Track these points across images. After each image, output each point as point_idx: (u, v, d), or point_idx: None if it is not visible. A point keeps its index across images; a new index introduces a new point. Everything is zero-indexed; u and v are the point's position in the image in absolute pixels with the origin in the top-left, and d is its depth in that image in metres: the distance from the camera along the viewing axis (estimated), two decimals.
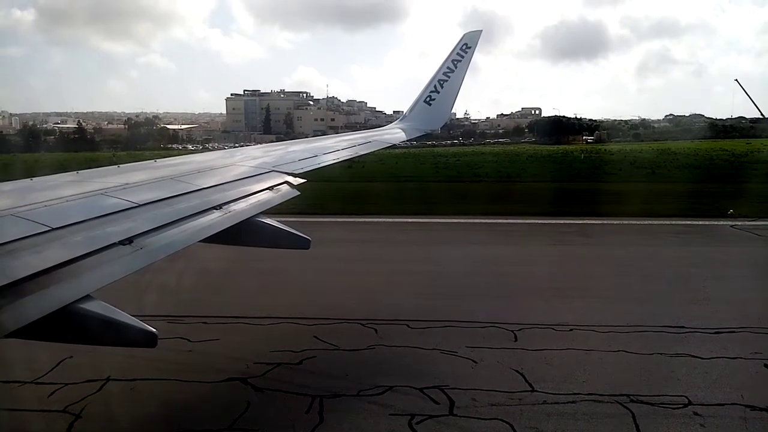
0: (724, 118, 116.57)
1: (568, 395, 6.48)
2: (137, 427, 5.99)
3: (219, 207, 4.69)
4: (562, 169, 39.63)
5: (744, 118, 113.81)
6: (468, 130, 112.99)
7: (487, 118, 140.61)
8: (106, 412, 6.25)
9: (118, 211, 4.00)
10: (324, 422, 5.96)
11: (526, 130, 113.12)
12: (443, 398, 6.41)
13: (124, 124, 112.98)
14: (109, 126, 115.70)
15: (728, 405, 6.26)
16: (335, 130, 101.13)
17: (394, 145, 10.26)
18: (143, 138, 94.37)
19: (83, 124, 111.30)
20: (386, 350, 7.86)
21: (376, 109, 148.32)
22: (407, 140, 10.76)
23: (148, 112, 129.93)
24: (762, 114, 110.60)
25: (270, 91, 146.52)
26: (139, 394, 6.59)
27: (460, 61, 10.52)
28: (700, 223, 17.51)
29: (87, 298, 3.12)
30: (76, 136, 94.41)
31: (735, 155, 49.29)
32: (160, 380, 6.89)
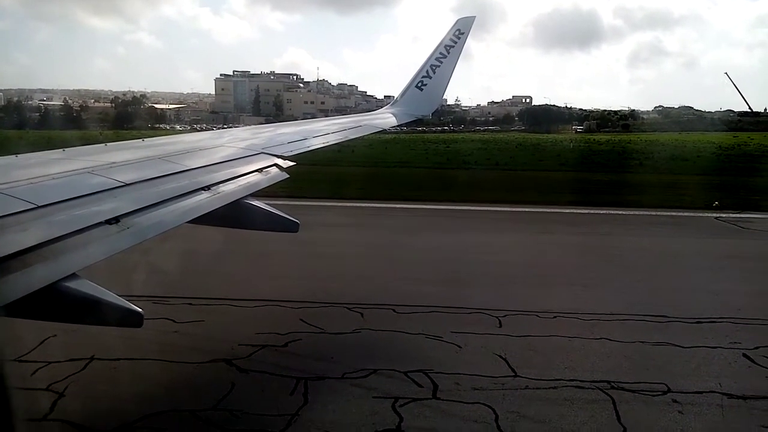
0: (713, 111, 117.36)
1: (550, 381, 6.58)
2: (121, 407, 5.99)
3: (207, 188, 4.66)
4: (550, 158, 39.74)
5: (732, 111, 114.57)
6: (459, 116, 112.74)
7: (478, 105, 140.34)
8: (89, 391, 6.25)
9: (105, 189, 3.96)
10: (308, 404, 6.01)
11: (517, 119, 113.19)
12: (427, 382, 6.48)
13: (111, 103, 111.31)
14: (96, 104, 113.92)
15: (706, 393, 6.39)
16: (325, 113, 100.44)
17: (385, 130, 10.23)
18: (130, 117, 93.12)
19: (69, 101, 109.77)
20: (372, 334, 7.92)
21: (367, 94, 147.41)
22: (398, 125, 10.73)
23: (136, 90, 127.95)
24: (750, 108, 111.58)
25: (260, 73, 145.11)
26: (123, 374, 6.60)
27: (453, 47, 10.48)
28: (685, 214, 17.69)
29: (72, 276, 3.11)
30: (62, 113, 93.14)
31: (722, 148, 49.65)
32: (144, 360, 6.89)
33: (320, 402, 6.07)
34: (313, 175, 18.76)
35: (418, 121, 12.74)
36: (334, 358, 7.13)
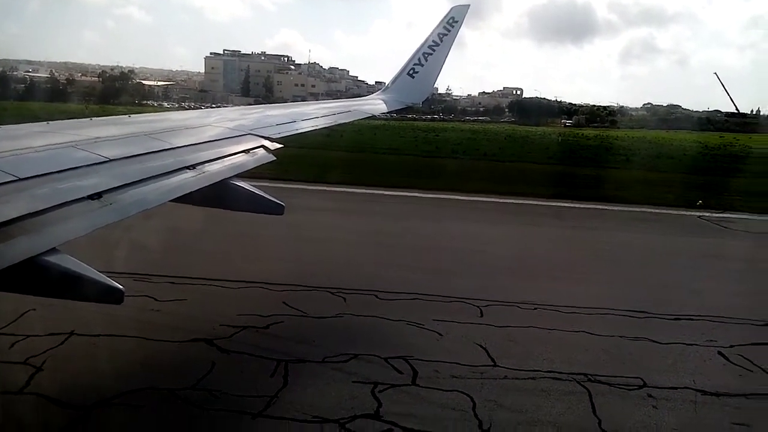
0: (701, 110, 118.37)
1: (528, 371, 6.65)
2: (99, 382, 5.97)
3: (192, 167, 4.62)
4: (538, 150, 39.84)
5: (719, 111, 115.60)
6: (449, 105, 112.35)
7: (469, 95, 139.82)
8: (67, 366, 6.22)
9: (89, 164, 3.91)
10: (287, 386, 6.03)
11: (507, 110, 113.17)
12: (407, 368, 6.53)
13: (98, 77, 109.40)
14: (83, 78, 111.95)
15: (681, 389, 6.51)
16: (315, 96, 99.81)
17: (374, 116, 10.20)
18: (117, 92, 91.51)
19: (56, 74, 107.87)
20: (354, 319, 7.94)
21: (358, 78, 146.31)
22: (387, 112, 10.70)
23: (124, 65, 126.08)
24: (737, 109, 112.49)
25: (251, 53, 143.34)
26: (102, 350, 6.57)
27: (446, 35, 10.43)
28: (669, 212, 17.86)
29: (53, 251, 3.07)
30: (48, 86, 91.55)
31: (707, 148, 50.14)
32: (124, 337, 6.86)
33: (300, 385, 6.09)
34: (301, 159, 18.67)
35: (409, 109, 12.71)
36: (315, 341, 7.15)
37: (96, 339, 6.74)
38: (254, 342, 6.99)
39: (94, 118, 5.77)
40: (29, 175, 3.42)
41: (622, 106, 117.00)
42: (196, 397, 5.72)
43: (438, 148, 37.01)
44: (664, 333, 8.03)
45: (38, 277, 3.07)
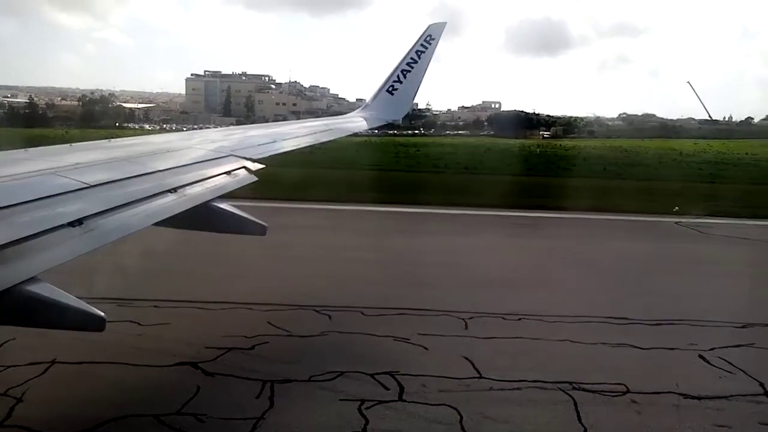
0: (675, 118, 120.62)
1: (513, 382, 6.70)
2: (82, 412, 5.90)
3: (174, 190, 4.64)
4: (518, 162, 40.25)
5: (693, 119, 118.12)
6: (429, 120, 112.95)
7: (449, 109, 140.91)
8: (49, 396, 6.14)
9: (69, 191, 3.91)
10: (274, 407, 6.01)
11: (486, 124, 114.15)
12: (393, 384, 6.54)
13: (78, 101, 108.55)
14: (63, 102, 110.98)
15: (664, 393, 6.60)
16: (297, 115, 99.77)
17: (356, 133, 10.27)
18: (98, 116, 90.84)
19: (35, 99, 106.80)
20: (339, 337, 7.94)
21: (339, 96, 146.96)
22: (369, 129, 10.78)
23: (104, 89, 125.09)
24: (710, 116, 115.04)
25: (231, 73, 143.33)
26: (86, 378, 6.50)
27: (424, 52, 10.57)
28: (647, 219, 18.13)
29: (33, 279, 3.07)
30: (27, 111, 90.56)
31: (682, 155, 51.05)
32: (107, 363, 6.78)
33: (286, 405, 6.07)
34: (284, 178, 18.66)
35: (389, 125, 12.81)
36: (301, 360, 7.14)
37: (79, 367, 6.66)
38: (239, 363, 6.96)
39: (74, 144, 5.75)
40: (9, 204, 3.42)
41: (599, 117, 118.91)
42: (182, 423, 5.68)
43: (419, 163, 37.25)
44: (645, 338, 8.15)
45: (18, 306, 3.06)
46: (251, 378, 6.56)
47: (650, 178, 30.61)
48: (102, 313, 3.31)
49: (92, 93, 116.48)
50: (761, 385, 6.85)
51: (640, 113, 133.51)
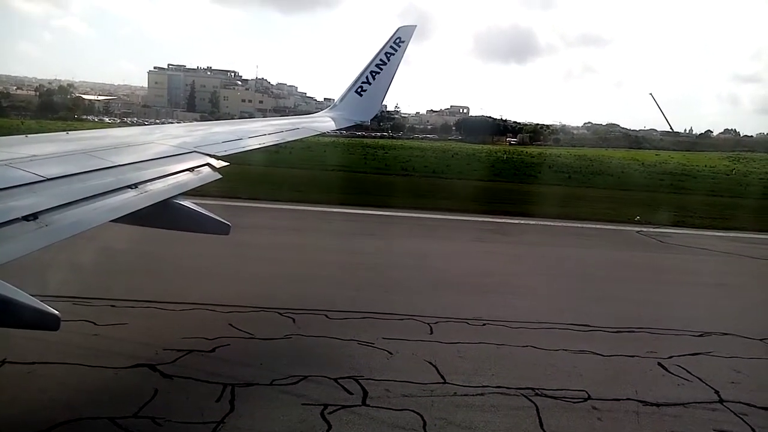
0: (638, 129, 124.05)
1: (477, 387, 6.70)
2: (34, 414, 5.65)
3: (134, 186, 4.49)
4: (484, 168, 40.75)
5: (655, 130, 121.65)
6: (398, 123, 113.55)
7: (417, 113, 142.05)
8: None
9: (24, 184, 3.74)
10: (235, 411, 5.86)
11: (454, 128, 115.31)
12: (357, 388, 6.47)
13: (35, 91, 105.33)
14: (18, 92, 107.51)
15: (623, 400, 6.69)
16: (263, 113, 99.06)
17: (324, 133, 10.17)
18: (56, 107, 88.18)
19: None
20: (303, 340, 7.82)
21: (307, 95, 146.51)
22: (336, 129, 10.70)
23: (63, 79, 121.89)
24: (671, 127, 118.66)
25: (196, 68, 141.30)
26: (38, 379, 6.22)
27: (393, 54, 10.55)
28: (609, 227, 18.52)
29: None
30: None
31: (644, 165, 52.41)
32: (61, 364, 6.52)
33: (247, 409, 5.93)
34: (249, 176, 18.43)
35: (357, 126, 12.77)
36: (263, 364, 7.00)
37: (30, 367, 6.38)
38: (199, 366, 6.77)
39: (29, 135, 5.53)
40: None
41: (564, 125, 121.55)
42: (139, 426, 5.48)
43: (387, 165, 37.36)
44: (606, 345, 8.25)
45: None
46: (211, 381, 6.38)
47: (613, 187, 31.32)
48: (56, 312, 3.18)
49: (50, 83, 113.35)
50: (717, 392, 7.01)
51: (604, 123, 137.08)
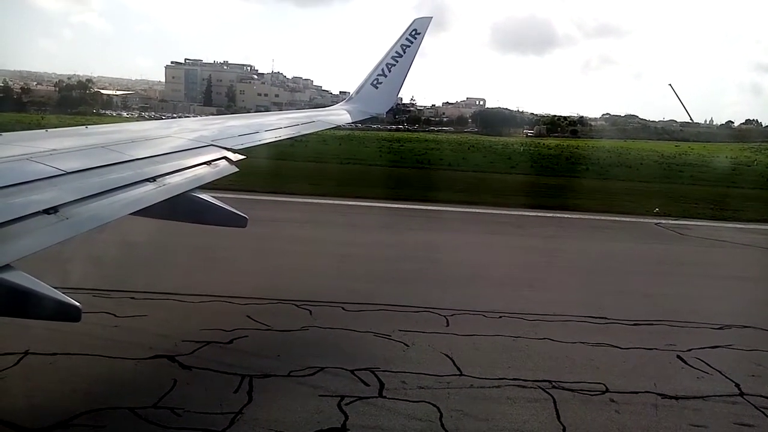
0: (657, 120, 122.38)
1: (493, 380, 6.69)
2: (57, 403, 5.76)
3: (152, 179, 4.53)
4: (501, 160, 40.48)
5: (674, 121, 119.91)
6: (413, 116, 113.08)
7: (433, 105, 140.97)
8: (22, 387, 5.98)
9: (44, 178, 3.80)
10: (252, 402, 5.92)
11: (470, 120, 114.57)
12: (373, 380, 6.49)
13: (54, 86, 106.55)
14: (39, 87, 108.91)
15: (642, 393, 6.64)
16: (279, 106, 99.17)
17: (339, 126, 10.19)
18: (75, 102, 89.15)
19: (9, 83, 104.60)
20: (320, 332, 7.87)
21: (323, 88, 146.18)
22: (352, 122, 10.71)
23: (82, 74, 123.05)
24: (691, 118, 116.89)
25: (213, 62, 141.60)
26: (60, 369, 6.34)
27: (409, 46, 10.51)
28: (627, 219, 18.32)
29: (6, 268, 2.97)
30: (1, 95, 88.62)
31: (664, 156, 51.71)
32: (82, 355, 6.63)
33: (265, 400, 5.99)
34: (265, 169, 18.51)
35: (373, 119, 12.75)
36: (280, 355, 7.05)
37: (53, 358, 6.50)
38: (217, 357, 6.85)
39: (50, 130, 5.60)
40: None
41: (582, 117, 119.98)
42: (158, 416, 5.57)
43: (403, 158, 37.26)
44: (624, 338, 8.20)
45: None
46: (229, 372, 6.45)
47: (632, 179, 30.96)
48: (78, 304, 3.22)
49: (69, 78, 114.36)
50: (737, 386, 6.93)
51: (622, 114, 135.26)
